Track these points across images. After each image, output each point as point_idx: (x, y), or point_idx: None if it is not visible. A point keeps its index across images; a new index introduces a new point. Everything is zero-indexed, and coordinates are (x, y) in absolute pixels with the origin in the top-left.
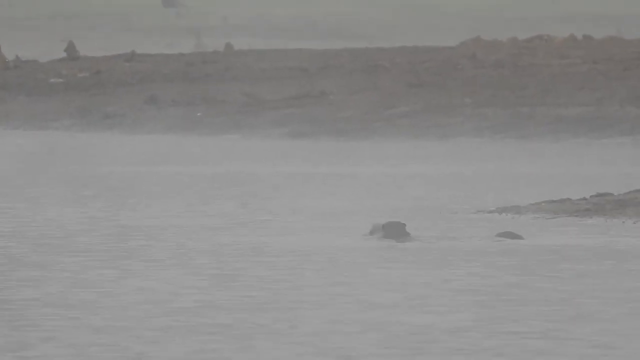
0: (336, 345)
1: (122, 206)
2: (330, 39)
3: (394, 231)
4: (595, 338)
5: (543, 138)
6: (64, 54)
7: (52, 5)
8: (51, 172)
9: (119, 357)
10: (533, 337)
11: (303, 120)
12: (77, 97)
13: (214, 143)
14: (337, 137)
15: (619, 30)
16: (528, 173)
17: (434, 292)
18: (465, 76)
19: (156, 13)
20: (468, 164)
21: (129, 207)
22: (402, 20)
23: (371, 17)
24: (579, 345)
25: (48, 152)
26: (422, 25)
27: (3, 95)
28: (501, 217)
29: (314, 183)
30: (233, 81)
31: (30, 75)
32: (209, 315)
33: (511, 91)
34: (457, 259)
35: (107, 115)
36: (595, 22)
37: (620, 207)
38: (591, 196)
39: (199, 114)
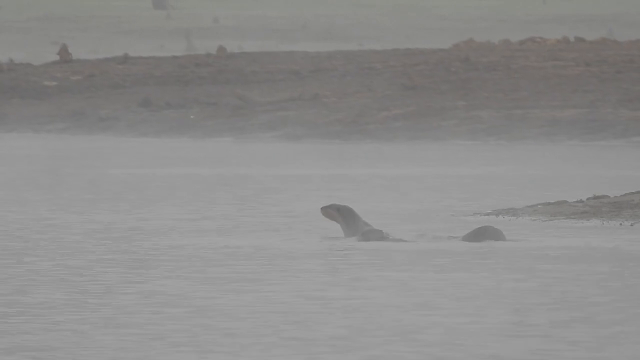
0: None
1: (139, 209)
2: (321, 41)
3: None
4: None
5: (537, 140)
6: (57, 57)
7: (44, 8)
8: (58, 176)
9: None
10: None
11: (296, 123)
12: (70, 100)
13: (207, 146)
14: (330, 139)
15: (611, 32)
16: (522, 175)
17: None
18: (459, 78)
19: (147, 15)
20: (462, 167)
21: (144, 211)
22: (394, 22)
23: (362, 19)
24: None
25: (48, 155)
26: (414, 27)
27: None
28: (498, 219)
29: (309, 185)
30: (226, 84)
31: (24, 78)
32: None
33: (504, 94)
34: (461, 260)
35: (101, 118)
36: (587, 24)
37: (616, 209)
38: (588, 198)
39: (192, 117)
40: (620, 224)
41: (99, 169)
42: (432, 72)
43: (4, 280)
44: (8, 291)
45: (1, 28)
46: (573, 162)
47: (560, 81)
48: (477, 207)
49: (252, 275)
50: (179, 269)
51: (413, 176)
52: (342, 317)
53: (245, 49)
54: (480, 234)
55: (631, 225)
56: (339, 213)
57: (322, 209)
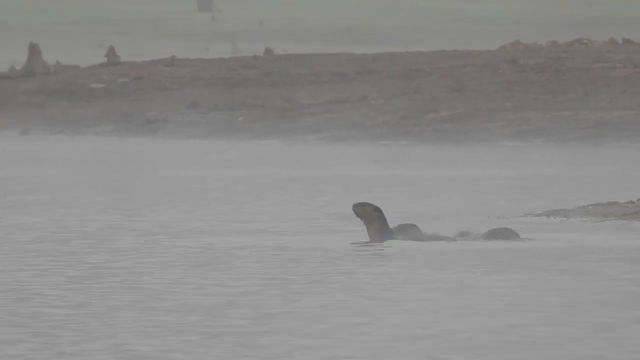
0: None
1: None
2: (365, 43)
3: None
4: None
5: (584, 142)
6: (104, 60)
7: (90, 11)
8: (113, 178)
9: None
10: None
11: (343, 125)
12: (118, 102)
13: (255, 148)
14: (377, 141)
15: None
16: (572, 176)
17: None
18: (506, 80)
19: (192, 18)
20: (510, 168)
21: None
22: (440, 24)
23: (406, 21)
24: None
25: (99, 158)
26: (459, 29)
27: (44, 101)
28: (549, 220)
29: (358, 186)
30: (273, 86)
31: (71, 81)
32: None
33: (552, 95)
34: (519, 261)
35: (149, 121)
36: (635, 25)
37: None
38: (638, 199)
39: (240, 119)
40: None
41: (153, 171)
42: (479, 73)
43: (74, 282)
44: (83, 292)
45: (48, 31)
46: (622, 163)
47: (607, 83)
48: (527, 208)
49: (316, 277)
50: (249, 269)
51: (461, 178)
52: (412, 317)
53: (290, 52)
54: (492, 235)
55: None
56: (377, 213)
57: (356, 206)
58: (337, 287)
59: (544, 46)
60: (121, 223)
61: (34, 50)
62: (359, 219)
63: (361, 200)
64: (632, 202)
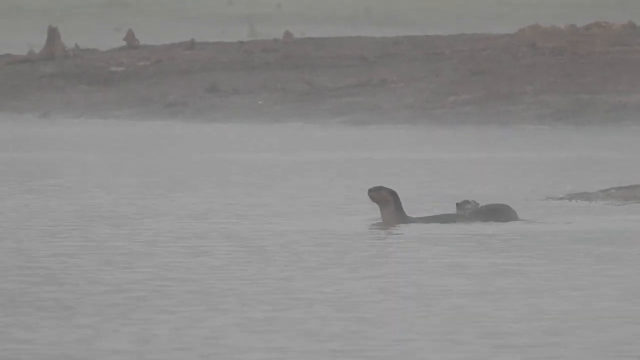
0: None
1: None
2: (384, 26)
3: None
4: None
5: (604, 125)
6: (123, 43)
7: None
8: (141, 161)
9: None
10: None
11: (364, 109)
12: (138, 86)
13: (275, 131)
14: (398, 124)
15: None
16: (592, 160)
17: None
18: (525, 64)
19: (208, 1)
20: (531, 151)
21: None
22: (458, 7)
23: (424, 4)
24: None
25: (124, 141)
26: (479, 12)
27: (63, 84)
28: (571, 204)
29: (380, 169)
30: (293, 69)
31: (90, 64)
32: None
33: (571, 78)
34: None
35: (169, 104)
36: None
37: None
38: None
39: (260, 102)
40: None
41: (182, 154)
42: (498, 57)
43: (126, 267)
44: (144, 277)
45: (66, 14)
46: None
47: (626, 66)
48: (549, 192)
49: (369, 259)
50: (296, 255)
51: (482, 161)
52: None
53: (308, 35)
54: (490, 209)
55: None
56: (393, 197)
57: (372, 191)
58: (376, 272)
59: (562, 29)
60: (155, 207)
61: (52, 33)
62: (375, 203)
63: (376, 185)
64: None
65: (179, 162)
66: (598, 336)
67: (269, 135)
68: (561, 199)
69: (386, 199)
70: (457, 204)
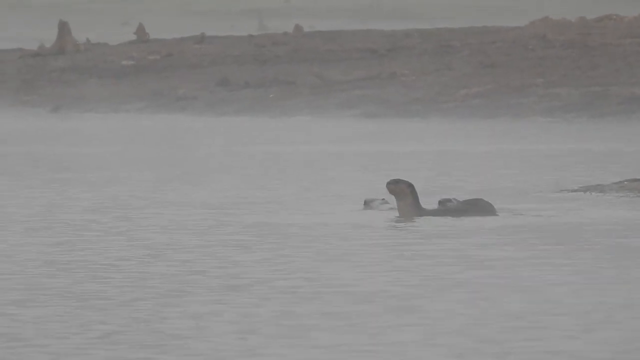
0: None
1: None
2: (392, 19)
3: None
4: None
5: (615, 117)
6: (133, 37)
7: None
8: (156, 154)
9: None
10: None
11: (374, 102)
12: (148, 80)
13: (286, 125)
14: (409, 117)
15: None
16: (605, 152)
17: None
18: (536, 56)
19: None
20: (543, 144)
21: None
22: (468, 0)
23: None
24: None
25: (136, 134)
26: (489, 5)
27: (75, 78)
28: (585, 196)
29: (392, 162)
30: (303, 63)
31: (101, 58)
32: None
33: (582, 71)
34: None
35: (179, 98)
36: None
37: None
38: None
39: (271, 96)
40: None
41: (195, 147)
42: (509, 50)
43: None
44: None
45: (75, 9)
46: None
47: (638, 58)
48: (562, 184)
49: (388, 252)
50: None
51: (495, 153)
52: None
53: (317, 28)
54: (471, 205)
55: None
56: (410, 189)
57: (390, 183)
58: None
59: (573, 22)
60: (173, 199)
61: (63, 28)
62: (392, 195)
63: (393, 177)
64: None
65: (193, 155)
66: (624, 329)
67: (279, 129)
68: (575, 191)
69: (404, 192)
70: (439, 202)
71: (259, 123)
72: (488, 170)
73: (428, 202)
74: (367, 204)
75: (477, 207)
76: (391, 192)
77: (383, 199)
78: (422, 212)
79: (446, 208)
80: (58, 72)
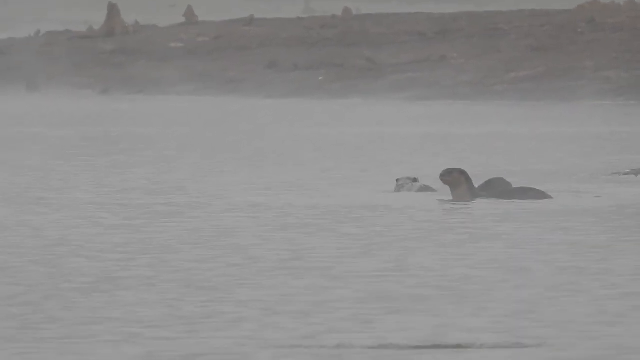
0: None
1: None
2: (440, 2)
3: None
4: None
5: None
6: (182, 19)
7: None
8: (212, 137)
9: None
10: None
11: (424, 85)
12: (197, 62)
13: (335, 107)
14: (458, 100)
15: None
16: None
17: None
18: (585, 39)
19: None
20: (593, 127)
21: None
22: None
23: None
24: None
25: (191, 116)
26: None
27: (123, 60)
28: (638, 179)
29: (445, 145)
30: (352, 45)
31: (150, 40)
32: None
33: (632, 54)
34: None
35: (229, 80)
36: None
37: None
38: None
39: (320, 78)
40: None
41: (251, 130)
42: (558, 33)
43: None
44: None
45: None
46: None
47: None
48: (614, 167)
49: (444, 237)
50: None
51: (545, 136)
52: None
53: (363, 11)
54: (489, 185)
55: None
56: (464, 176)
57: (443, 176)
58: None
59: (621, 5)
60: (236, 182)
61: (112, 10)
62: (447, 186)
63: (445, 168)
64: None
65: (247, 137)
66: None
67: (329, 111)
68: (627, 174)
69: (458, 180)
70: (397, 180)
71: (307, 105)
72: (537, 153)
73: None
74: (399, 184)
75: (532, 191)
76: (445, 183)
77: (415, 178)
78: (477, 196)
79: (502, 191)
80: (107, 54)
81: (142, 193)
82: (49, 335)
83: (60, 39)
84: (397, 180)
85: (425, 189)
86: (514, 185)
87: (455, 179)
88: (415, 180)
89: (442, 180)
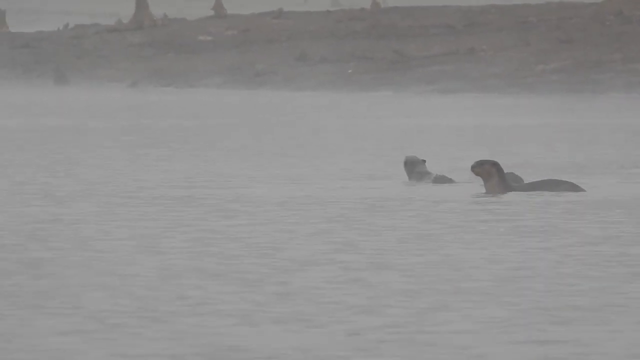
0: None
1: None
2: None
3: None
4: None
5: None
6: (211, 12)
7: None
8: (249, 130)
9: None
10: None
11: (453, 77)
12: (226, 55)
13: (365, 99)
14: (488, 93)
15: None
16: None
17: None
18: (613, 32)
19: None
20: (623, 118)
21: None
22: None
23: None
24: None
25: (223, 109)
26: None
27: (152, 54)
28: None
29: (475, 137)
30: (381, 38)
31: (179, 33)
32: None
33: None
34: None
35: (258, 73)
36: None
37: None
38: None
39: (349, 71)
40: None
41: (285, 122)
42: (586, 25)
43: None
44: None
45: None
46: None
47: None
48: None
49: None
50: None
51: (576, 128)
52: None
53: (390, 4)
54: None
55: None
56: (496, 168)
57: (475, 167)
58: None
59: None
60: (299, 172)
61: (141, 3)
62: (479, 177)
63: (477, 159)
64: None
65: (284, 130)
66: None
67: (358, 104)
68: None
69: (490, 172)
70: (405, 164)
71: (337, 98)
72: (567, 144)
73: (541, 174)
74: (408, 164)
75: (564, 183)
76: (477, 174)
77: (423, 160)
78: (510, 188)
79: (534, 183)
80: (135, 47)
81: (221, 186)
82: None
83: (88, 32)
84: (406, 163)
85: (441, 179)
86: (538, 179)
87: (486, 170)
88: (423, 161)
89: (473, 171)
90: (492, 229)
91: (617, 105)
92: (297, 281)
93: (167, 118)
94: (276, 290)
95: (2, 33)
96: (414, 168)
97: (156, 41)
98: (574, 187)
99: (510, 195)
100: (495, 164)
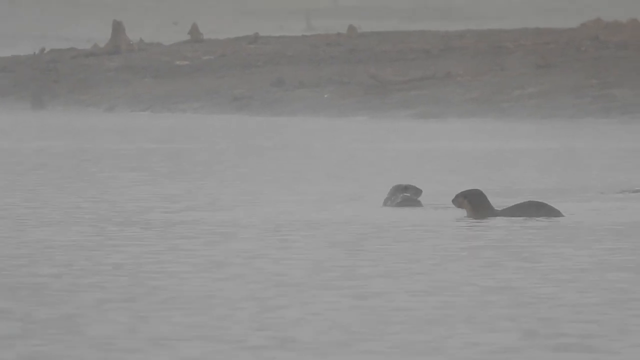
0: None
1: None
2: (445, 20)
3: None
4: None
5: None
6: (187, 37)
7: None
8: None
9: None
10: None
11: (430, 102)
12: (203, 79)
13: (342, 125)
14: (465, 117)
15: None
16: None
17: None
18: (590, 57)
19: None
20: (599, 144)
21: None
22: (520, 1)
23: None
24: None
25: (207, 134)
26: (541, 6)
27: (129, 78)
28: None
29: (459, 162)
30: (358, 63)
31: (155, 58)
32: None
33: (637, 72)
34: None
35: (235, 98)
36: None
37: None
38: None
39: (326, 96)
40: None
41: (273, 146)
42: (562, 51)
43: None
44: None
45: (125, 8)
46: None
47: None
48: (623, 184)
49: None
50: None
51: (553, 153)
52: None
53: (364, 29)
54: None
55: None
56: (467, 199)
57: (454, 202)
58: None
59: (624, 23)
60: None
61: (117, 27)
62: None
63: (460, 191)
64: None
65: (279, 154)
66: None
67: (336, 129)
68: (637, 191)
69: (462, 204)
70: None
71: (316, 123)
72: (544, 169)
73: (522, 197)
74: (387, 197)
75: (544, 208)
76: (458, 207)
77: (405, 186)
78: (488, 214)
79: (515, 207)
80: (112, 71)
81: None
82: None
83: (65, 57)
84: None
85: (407, 201)
86: (518, 202)
87: (459, 203)
88: (406, 188)
89: (454, 204)
90: (472, 253)
91: (594, 130)
92: (282, 306)
93: (146, 142)
94: (257, 316)
95: None
96: (398, 193)
97: (133, 66)
98: (553, 211)
99: (492, 220)
100: (467, 195)
